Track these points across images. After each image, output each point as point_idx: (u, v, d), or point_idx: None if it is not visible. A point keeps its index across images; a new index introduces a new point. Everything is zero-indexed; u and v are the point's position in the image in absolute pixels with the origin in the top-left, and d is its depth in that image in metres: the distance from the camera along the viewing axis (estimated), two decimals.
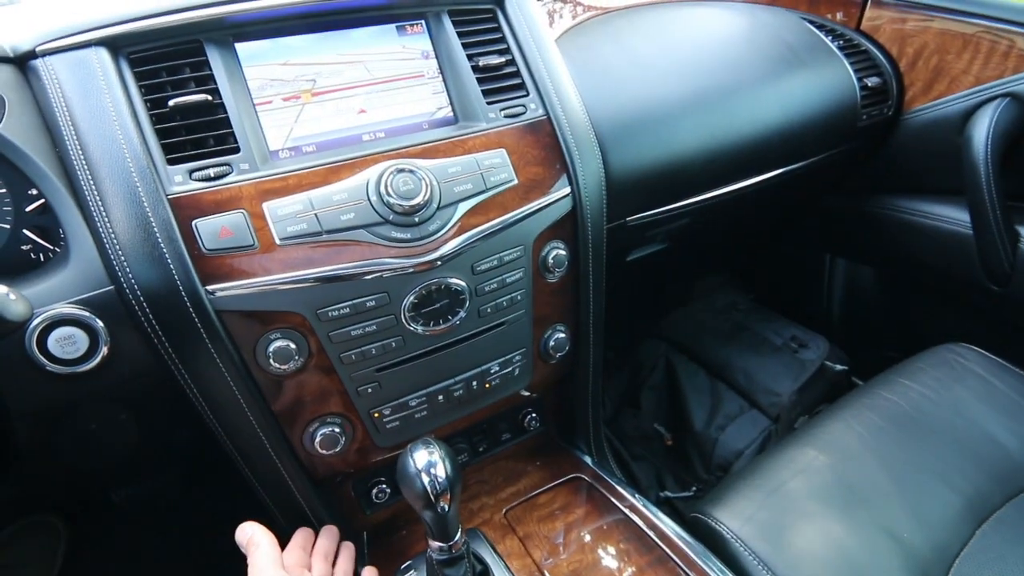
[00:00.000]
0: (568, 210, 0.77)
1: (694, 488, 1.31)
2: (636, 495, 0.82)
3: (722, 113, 0.94)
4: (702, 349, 1.35)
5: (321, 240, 0.62)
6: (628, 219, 0.91)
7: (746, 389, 1.29)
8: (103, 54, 0.60)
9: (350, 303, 0.63)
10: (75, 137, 0.58)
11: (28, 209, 0.65)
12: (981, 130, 1.01)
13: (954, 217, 1.14)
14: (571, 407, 0.95)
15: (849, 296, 1.44)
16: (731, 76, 0.98)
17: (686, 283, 1.57)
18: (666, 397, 1.39)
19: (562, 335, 0.84)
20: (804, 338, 1.35)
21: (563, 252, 0.77)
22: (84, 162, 0.58)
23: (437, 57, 0.75)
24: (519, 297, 0.76)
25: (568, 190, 0.76)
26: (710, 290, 1.57)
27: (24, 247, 0.66)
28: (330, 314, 0.63)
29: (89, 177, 0.58)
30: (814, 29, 1.15)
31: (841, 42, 1.16)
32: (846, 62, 1.11)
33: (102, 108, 0.59)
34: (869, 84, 1.12)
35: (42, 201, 0.63)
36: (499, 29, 0.79)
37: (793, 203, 1.40)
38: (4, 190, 0.65)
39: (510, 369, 0.80)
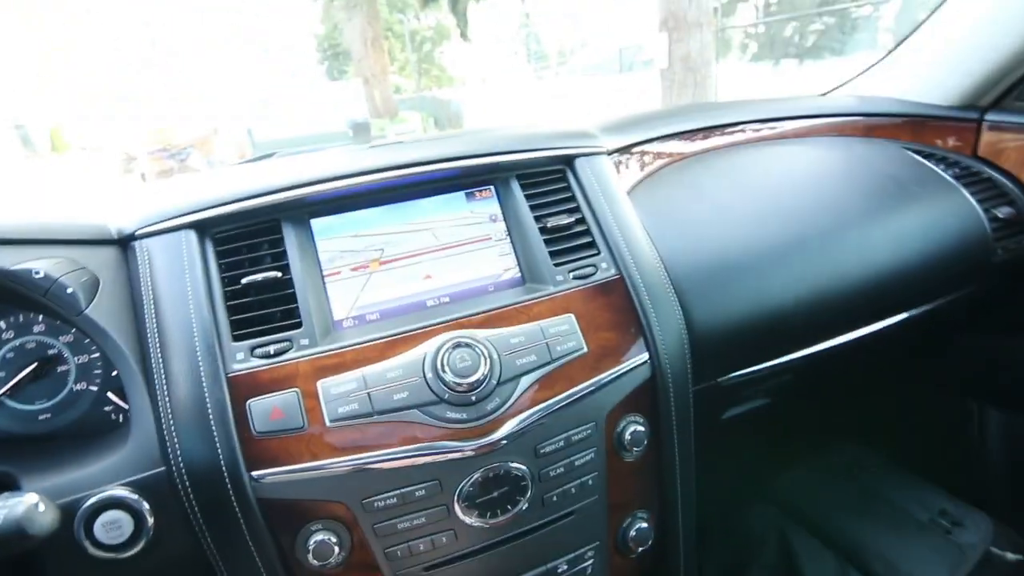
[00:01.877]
0: (646, 378, 0.69)
1: None
2: None
3: (822, 258, 0.84)
4: (825, 522, 1.13)
5: (372, 420, 0.58)
6: (720, 379, 0.80)
7: None
8: (191, 236, 0.64)
9: (398, 492, 0.58)
10: (154, 315, 0.61)
11: (115, 373, 0.68)
12: None
13: None
14: None
15: (1011, 457, 1.17)
16: (829, 217, 0.89)
17: (795, 438, 1.36)
18: None
19: (644, 524, 0.72)
20: (957, 513, 1.09)
21: (641, 428, 0.68)
22: (158, 340, 0.59)
23: (505, 219, 0.75)
24: (591, 482, 0.66)
25: (645, 356, 0.69)
26: (825, 444, 1.35)
27: (107, 408, 0.68)
28: (376, 504, 0.58)
29: (159, 356, 0.59)
30: (921, 159, 1.05)
31: (956, 170, 1.05)
32: (966, 192, 0.99)
33: (182, 287, 0.61)
34: (1000, 215, 0.99)
35: None
36: (568, 188, 0.78)
37: (922, 349, 1.21)
38: (98, 354, 0.69)
39: (582, 567, 0.68)
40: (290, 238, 0.66)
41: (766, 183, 0.93)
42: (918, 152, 1.08)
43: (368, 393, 0.58)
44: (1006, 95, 1.11)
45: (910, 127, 1.15)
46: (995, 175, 1.05)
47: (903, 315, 0.92)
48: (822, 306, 0.83)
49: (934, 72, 1.18)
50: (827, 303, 0.83)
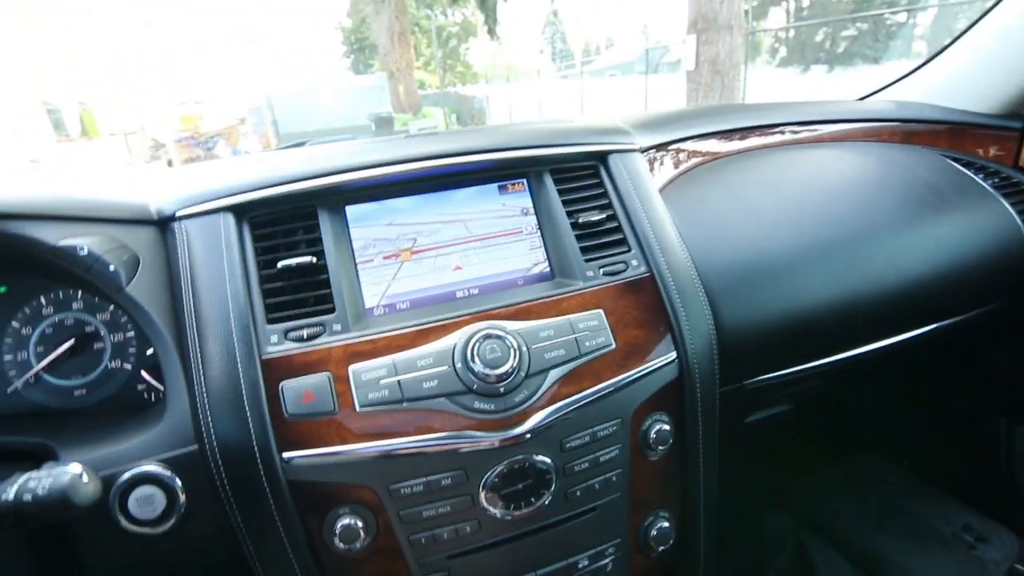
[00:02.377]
0: (673, 377, 0.68)
1: None
2: None
3: (854, 264, 0.83)
4: (843, 532, 1.11)
5: (401, 407, 0.58)
6: (746, 382, 0.80)
7: None
8: (229, 219, 0.65)
9: (424, 480, 0.58)
10: (191, 296, 0.62)
11: (149, 352, 0.70)
12: None
13: None
14: None
15: None
16: (862, 222, 0.87)
17: (817, 445, 1.34)
18: None
19: (665, 524, 0.71)
20: (982, 529, 1.06)
21: (667, 427, 0.68)
22: (194, 321, 0.60)
23: (536, 213, 0.75)
24: (614, 478, 0.66)
25: (673, 355, 0.68)
26: (848, 453, 1.32)
27: (140, 387, 0.70)
28: (402, 491, 0.58)
29: (196, 335, 0.60)
30: (960, 167, 1.03)
31: (996, 180, 1.02)
32: (1006, 203, 0.97)
33: (219, 269, 0.62)
34: None
35: None
36: (601, 184, 0.78)
37: (954, 361, 1.18)
38: (133, 333, 0.71)
39: (602, 564, 0.68)
40: (325, 224, 0.67)
41: (800, 186, 0.92)
42: (957, 160, 1.05)
43: (398, 380, 0.59)
44: None
45: (949, 135, 1.12)
46: None
47: (935, 325, 0.90)
48: (852, 312, 0.81)
49: (976, 80, 1.15)
50: (857, 309, 0.82)
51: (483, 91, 22.14)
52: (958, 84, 1.18)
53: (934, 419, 1.34)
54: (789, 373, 0.82)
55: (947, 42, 1.22)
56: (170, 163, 8.30)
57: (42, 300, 0.69)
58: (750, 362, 0.79)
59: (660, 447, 0.68)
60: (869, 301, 0.82)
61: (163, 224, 0.67)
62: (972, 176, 1.01)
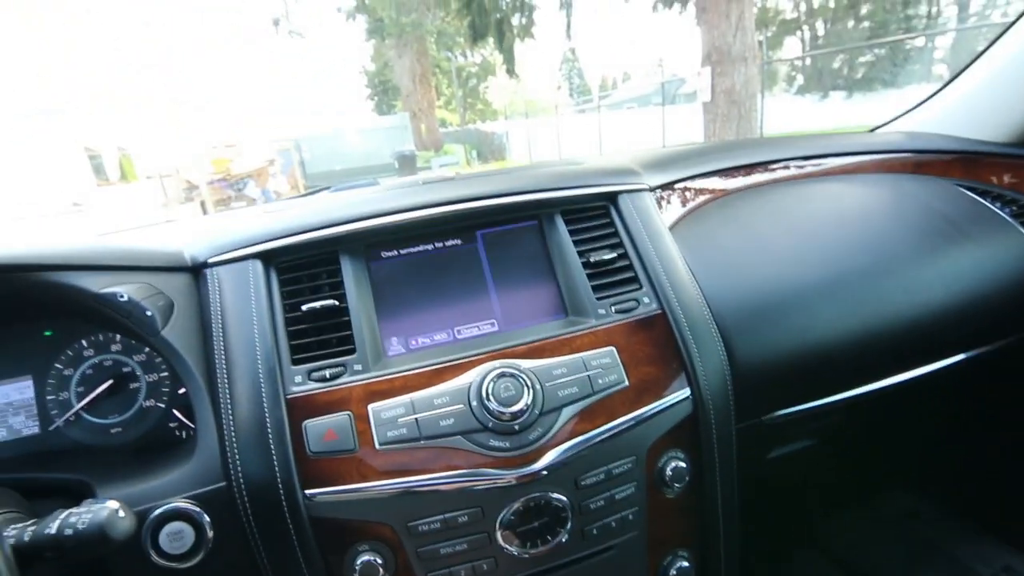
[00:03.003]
0: (687, 414, 0.69)
1: None
2: None
3: (869, 296, 0.83)
4: (876, 574, 1.07)
5: (419, 445, 0.60)
6: (764, 418, 0.79)
7: None
8: (258, 265, 0.69)
9: (441, 517, 0.59)
10: (222, 338, 0.65)
11: (181, 392, 0.73)
12: None
13: None
14: None
15: None
16: (875, 255, 0.87)
17: (846, 480, 1.30)
18: None
19: (685, 564, 0.71)
20: (1023, 570, 1.02)
21: (683, 464, 0.68)
22: (224, 362, 0.64)
23: (549, 253, 0.77)
24: (631, 516, 0.66)
25: (687, 391, 0.69)
26: (876, 489, 1.28)
27: (171, 424, 0.73)
28: (420, 528, 0.59)
29: (225, 376, 0.63)
30: (976, 197, 1.03)
31: (1014, 208, 1.01)
32: (1023, 231, 0.96)
33: (248, 313, 0.66)
34: None
35: None
36: (611, 224, 0.80)
37: (989, 392, 1.15)
38: (166, 374, 0.74)
39: None
40: (347, 268, 0.70)
41: (811, 220, 0.92)
42: (972, 189, 1.05)
43: (416, 419, 0.61)
44: None
45: (962, 164, 1.12)
46: None
47: (957, 357, 0.88)
48: (869, 346, 0.81)
49: (988, 109, 1.15)
50: (874, 343, 0.81)
51: (503, 127, 22.63)
52: (969, 113, 1.18)
53: (968, 453, 1.29)
54: (807, 408, 0.82)
55: (957, 71, 1.23)
56: (203, 204, 8.63)
57: (83, 343, 0.73)
58: (766, 397, 0.79)
59: (676, 484, 0.68)
60: (885, 333, 0.82)
61: (196, 271, 0.71)
62: (988, 205, 1.01)
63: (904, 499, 1.26)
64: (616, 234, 0.79)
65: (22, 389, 0.71)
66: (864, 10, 17.79)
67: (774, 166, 1.05)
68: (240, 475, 0.59)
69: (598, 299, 0.73)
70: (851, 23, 18.62)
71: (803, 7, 20.11)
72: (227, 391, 0.62)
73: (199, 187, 8.70)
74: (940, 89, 1.26)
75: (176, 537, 0.58)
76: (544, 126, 19.04)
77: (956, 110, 1.21)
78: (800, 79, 19.84)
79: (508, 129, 21.92)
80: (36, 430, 0.70)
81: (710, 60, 6.50)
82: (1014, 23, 1.09)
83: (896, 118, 1.33)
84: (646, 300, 0.74)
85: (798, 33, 20.80)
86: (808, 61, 18.84)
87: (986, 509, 1.24)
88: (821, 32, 20.23)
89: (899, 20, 16.53)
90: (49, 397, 0.71)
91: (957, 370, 0.90)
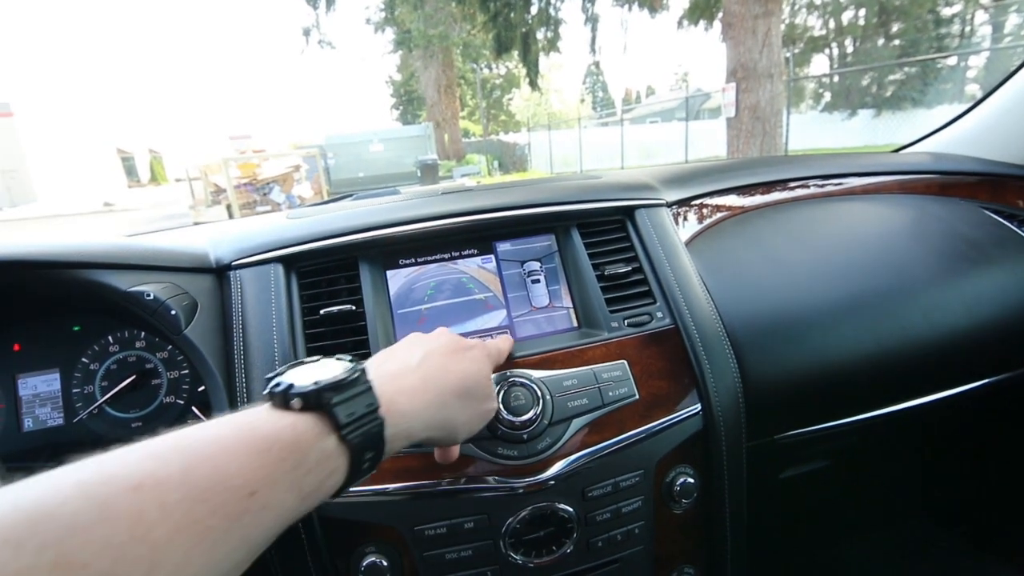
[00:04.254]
0: (698, 429, 0.68)
1: None
2: None
3: (886, 318, 0.81)
4: None
5: (428, 451, 0.61)
6: (776, 437, 0.78)
7: None
8: (279, 269, 0.71)
9: (447, 523, 0.60)
10: (242, 339, 0.67)
11: (200, 389, 0.75)
12: None
13: None
14: None
15: None
16: (895, 276, 0.86)
17: (862, 505, 1.27)
18: None
19: None
20: None
21: (691, 480, 0.67)
22: (243, 361, 0.65)
23: (564, 266, 0.78)
24: (637, 530, 0.66)
25: (697, 407, 0.69)
26: (891, 516, 1.25)
27: (190, 421, 0.75)
28: (426, 533, 0.60)
29: (244, 375, 0.65)
30: (1001, 220, 1.01)
31: None
32: None
33: (268, 314, 0.68)
34: None
35: None
36: (627, 238, 0.81)
37: (1011, 419, 1.12)
38: (187, 371, 0.76)
39: None
40: (365, 275, 0.72)
41: (829, 239, 0.92)
42: (998, 212, 1.03)
43: None
44: None
45: (989, 186, 1.10)
46: None
47: (977, 383, 0.86)
48: (886, 368, 0.80)
49: (1017, 131, 1.13)
50: (891, 365, 0.80)
51: (525, 139, 22.77)
52: (998, 135, 1.16)
53: (990, 481, 1.26)
54: (821, 429, 0.81)
55: (984, 93, 1.21)
56: (229, 208, 8.82)
57: (110, 339, 0.76)
58: (779, 416, 0.78)
59: (684, 500, 0.67)
60: (902, 356, 0.81)
61: (220, 272, 0.73)
62: (1015, 229, 0.99)
63: (923, 527, 1.22)
64: (632, 248, 0.80)
65: (50, 381, 0.73)
66: (895, 28, 17.58)
67: (794, 184, 1.05)
68: None
69: (611, 312, 0.73)
70: (881, 41, 18.40)
71: (832, 24, 19.95)
72: (244, 390, 0.64)
73: (226, 190, 8.90)
74: (968, 110, 1.24)
75: None
76: (566, 138, 19.11)
77: (984, 132, 1.19)
78: (827, 96, 19.63)
79: (530, 141, 22.06)
80: (60, 422, 0.73)
81: (735, 76, 6.48)
82: None
83: (923, 138, 1.31)
84: (659, 315, 0.74)
85: (826, 51, 20.62)
86: (836, 79, 18.64)
87: (1003, 540, 1.20)
88: (850, 50, 20.03)
89: (931, 39, 16.28)
90: (75, 390, 0.74)
91: (977, 396, 0.88)
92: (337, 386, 0.40)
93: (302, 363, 0.44)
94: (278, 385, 0.39)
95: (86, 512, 0.26)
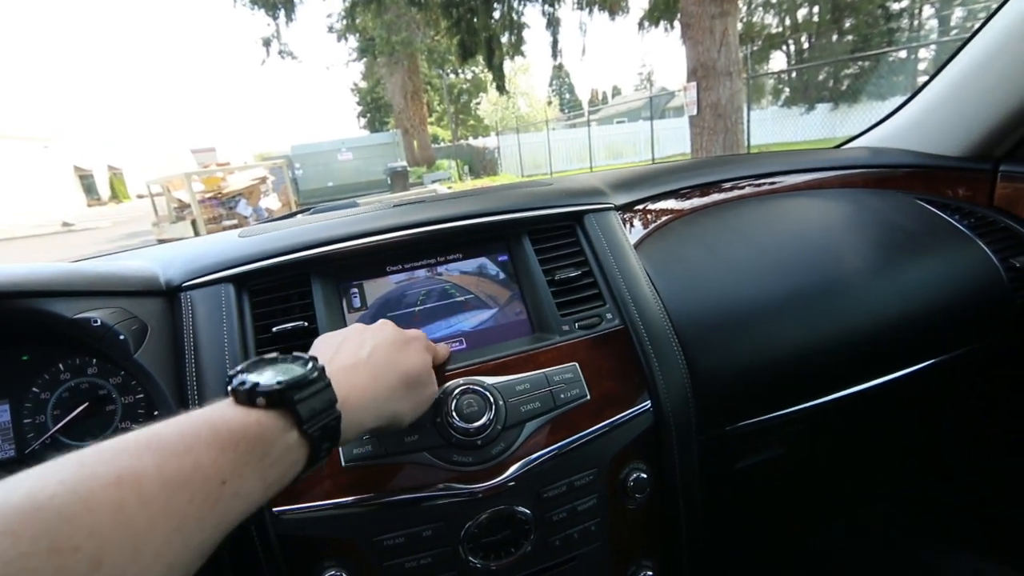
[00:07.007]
0: (648, 425, 0.71)
1: None
2: None
3: (827, 309, 0.85)
4: None
5: (383, 462, 0.62)
6: (728, 428, 0.81)
7: None
8: (230, 289, 0.71)
9: (405, 532, 0.61)
10: (194, 361, 0.67)
11: (156, 414, 0.75)
12: None
13: None
14: None
15: None
16: (835, 268, 0.90)
17: (823, 491, 1.32)
18: None
19: (650, 573, 0.72)
20: (992, 574, 1.03)
21: (644, 475, 0.70)
22: (195, 384, 0.65)
23: (516, 272, 0.79)
24: (593, 528, 0.68)
25: (648, 404, 0.71)
26: (851, 498, 1.29)
27: None
28: (385, 543, 0.60)
29: (196, 397, 0.65)
30: (935, 210, 1.06)
31: (972, 220, 1.05)
32: (980, 242, 0.99)
33: (219, 335, 0.68)
34: (1017, 264, 0.98)
35: None
36: (577, 243, 0.83)
37: (955, 401, 1.17)
38: (142, 396, 0.75)
39: None
40: (317, 291, 0.72)
41: (772, 235, 0.95)
42: (932, 203, 1.08)
43: (379, 436, 0.62)
44: (1020, 145, 1.12)
45: (922, 178, 1.16)
46: (1012, 224, 1.05)
47: (917, 366, 0.91)
48: (828, 356, 0.83)
49: (947, 123, 1.19)
50: (833, 354, 0.84)
51: (495, 143, 22.81)
52: (930, 128, 1.22)
53: (936, 459, 1.31)
54: (771, 418, 0.84)
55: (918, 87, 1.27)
56: (194, 223, 8.62)
57: (60, 367, 0.74)
58: (729, 408, 0.81)
59: (638, 495, 0.69)
60: (844, 345, 0.84)
61: (171, 294, 0.73)
62: (947, 218, 1.04)
63: (880, 507, 1.27)
64: (581, 252, 0.82)
65: None
66: (847, 24, 18.17)
67: (741, 183, 1.08)
68: None
69: (562, 316, 0.75)
70: (835, 37, 18.99)
71: (788, 21, 20.51)
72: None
73: (190, 205, 8.70)
74: (902, 105, 1.30)
75: None
76: (535, 141, 19.22)
77: (917, 125, 1.25)
78: (787, 92, 20.16)
79: (499, 144, 22.11)
80: (12, 454, 0.71)
81: (696, 75, 6.60)
82: (967, 42, 1.13)
83: (861, 134, 1.37)
84: (609, 316, 0.76)
85: (784, 47, 21.18)
86: (794, 75, 19.16)
87: (956, 513, 1.25)
88: (806, 46, 20.62)
89: (881, 33, 16.88)
90: (26, 421, 0.72)
91: (917, 378, 0.92)
92: (299, 384, 0.42)
93: (262, 360, 0.46)
94: (243, 383, 0.42)
95: (72, 505, 0.29)
